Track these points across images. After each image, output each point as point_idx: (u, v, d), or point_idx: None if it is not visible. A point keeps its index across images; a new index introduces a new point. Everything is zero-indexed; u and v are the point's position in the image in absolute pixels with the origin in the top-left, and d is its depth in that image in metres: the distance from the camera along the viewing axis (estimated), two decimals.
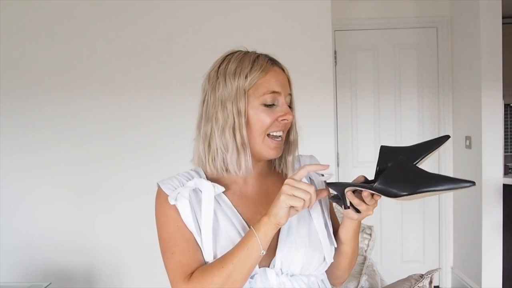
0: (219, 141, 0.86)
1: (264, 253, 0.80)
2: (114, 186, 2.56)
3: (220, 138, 0.86)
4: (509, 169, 3.09)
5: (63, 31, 2.51)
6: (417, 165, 0.81)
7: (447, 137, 0.85)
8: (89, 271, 2.57)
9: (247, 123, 0.86)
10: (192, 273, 0.83)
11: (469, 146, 2.87)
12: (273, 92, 0.87)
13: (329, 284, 0.98)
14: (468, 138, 2.88)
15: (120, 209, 2.56)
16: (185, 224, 0.86)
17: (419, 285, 1.24)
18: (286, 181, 0.77)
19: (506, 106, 3.30)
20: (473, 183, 0.69)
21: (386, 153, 0.84)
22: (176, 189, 0.88)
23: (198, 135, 0.92)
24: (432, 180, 0.71)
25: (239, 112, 0.85)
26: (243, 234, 0.86)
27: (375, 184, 0.75)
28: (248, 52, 0.92)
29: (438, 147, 0.83)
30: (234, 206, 0.90)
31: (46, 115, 2.53)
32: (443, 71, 3.14)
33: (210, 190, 0.86)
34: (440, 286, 3.22)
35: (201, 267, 0.83)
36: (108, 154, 2.55)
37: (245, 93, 0.85)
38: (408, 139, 3.15)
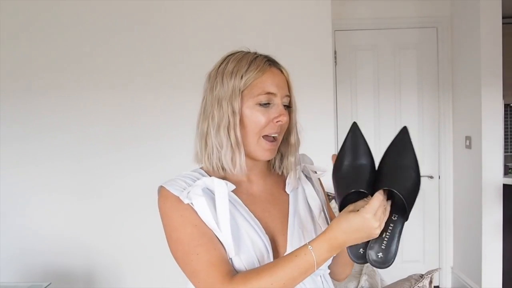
0: (214, 139, 0.88)
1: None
2: (115, 186, 2.56)
3: (215, 136, 0.88)
4: (509, 169, 3.09)
5: (62, 27, 2.51)
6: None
7: (404, 129, 0.86)
8: (89, 271, 2.57)
9: (242, 123, 0.88)
10: (227, 273, 0.80)
11: (469, 146, 2.87)
12: (268, 93, 0.87)
13: (330, 280, 0.99)
14: (468, 138, 2.88)
15: (120, 209, 2.56)
16: (203, 222, 0.84)
17: (419, 285, 1.24)
18: (367, 212, 0.75)
19: (506, 106, 3.30)
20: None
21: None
22: (184, 189, 0.86)
23: (197, 132, 0.93)
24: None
25: (233, 112, 0.86)
26: (260, 233, 0.87)
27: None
28: (248, 52, 0.92)
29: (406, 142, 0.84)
30: (245, 205, 0.91)
31: (46, 116, 2.53)
32: (443, 71, 3.13)
33: (223, 187, 0.86)
34: (440, 286, 3.22)
35: (245, 274, 0.81)
36: (108, 154, 2.55)
37: (240, 93, 0.87)
38: None
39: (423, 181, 3.17)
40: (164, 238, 0.89)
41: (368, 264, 0.82)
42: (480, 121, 2.69)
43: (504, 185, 2.72)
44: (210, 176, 0.92)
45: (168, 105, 2.54)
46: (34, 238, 2.55)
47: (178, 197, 0.85)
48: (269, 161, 0.98)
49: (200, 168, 0.96)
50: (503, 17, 2.66)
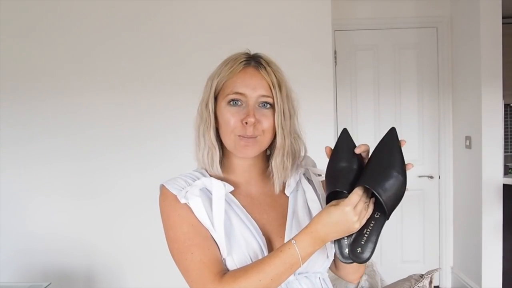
0: (197, 140, 0.93)
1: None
2: (115, 186, 2.55)
3: (196, 137, 0.93)
4: (509, 169, 3.09)
5: (63, 28, 2.51)
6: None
7: (392, 130, 0.89)
8: (89, 271, 2.57)
9: (220, 124, 0.91)
10: (218, 272, 0.82)
11: (469, 146, 2.87)
12: (236, 93, 0.88)
13: (329, 282, 0.99)
14: (468, 138, 2.88)
15: (120, 208, 2.56)
16: (199, 222, 0.86)
17: (419, 285, 1.24)
18: (346, 205, 0.78)
19: (506, 106, 3.30)
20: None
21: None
22: (183, 189, 0.88)
23: None
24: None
25: (208, 113, 0.91)
26: (256, 235, 0.87)
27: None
28: (236, 54, 0.94)
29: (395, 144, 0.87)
30: (243, 206, 0.92)
31: (47, 117, 2.52)
32: (443, 71, 3.13)
33: (220, 188, 0.87)
34: (440, 286, 3.22)
35: (234, 273, 0.82)
36: (110, 155, 2.55)
37: (214, 94, 0.91)
38: (408, 139, 3.13)
39: (423, 181, 3.17)
40: (165, 239, 0.89)
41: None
42: (480, 121, 2.69)
43: (504, 185, 2.73)
44: (211, 176, 0.92)
45: (170, 106, 2.54)
46: (34, 238, 2.54)
47: (176, 196, 0.87)
48: (268, 164, 0.97)
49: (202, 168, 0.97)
50: (503, 17, 2.67)
